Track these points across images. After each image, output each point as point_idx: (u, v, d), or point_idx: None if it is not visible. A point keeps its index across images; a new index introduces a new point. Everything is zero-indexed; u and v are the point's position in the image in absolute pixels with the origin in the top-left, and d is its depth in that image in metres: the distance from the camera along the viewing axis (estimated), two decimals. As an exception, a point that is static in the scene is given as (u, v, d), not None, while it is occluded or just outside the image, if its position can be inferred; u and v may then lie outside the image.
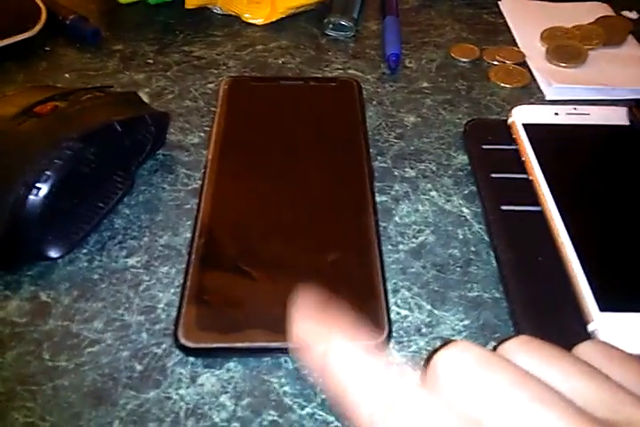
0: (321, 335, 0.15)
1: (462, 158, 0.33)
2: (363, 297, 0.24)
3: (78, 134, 0.26)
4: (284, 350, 0.23)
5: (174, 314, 0.24)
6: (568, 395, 0.13)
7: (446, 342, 0.15)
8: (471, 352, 0.14)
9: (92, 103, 0.29)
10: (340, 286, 0.25)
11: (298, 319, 0.16)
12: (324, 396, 0.22)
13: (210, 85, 0.38)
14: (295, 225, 0.27)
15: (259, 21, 0.44)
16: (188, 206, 0.30)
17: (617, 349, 0.15)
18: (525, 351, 0.14)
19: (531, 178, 0.30)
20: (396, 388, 0.13)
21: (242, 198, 0.29)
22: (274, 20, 0.44)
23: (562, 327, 0.24)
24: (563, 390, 0.13)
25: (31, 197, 0.25)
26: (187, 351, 0.23)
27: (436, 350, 0.14)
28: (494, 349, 0.14)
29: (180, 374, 0.23)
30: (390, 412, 0.13)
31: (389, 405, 0.13)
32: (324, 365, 0.15)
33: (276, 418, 0.22)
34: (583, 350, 0.15)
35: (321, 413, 0.22)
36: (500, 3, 0.46)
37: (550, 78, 0.38)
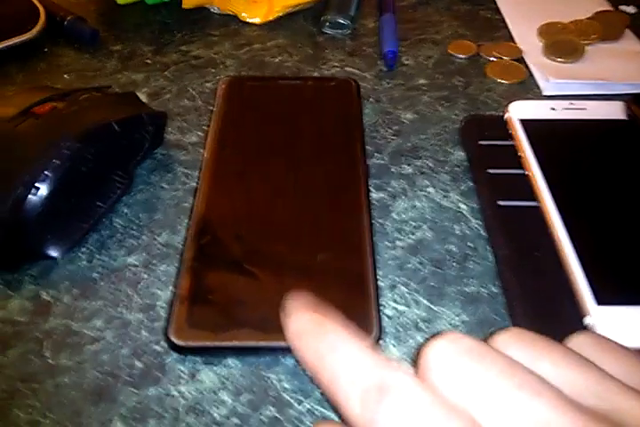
0: (315, 331, 0.15)
1: (459, 154, 0.33)
2: (354, 298, 0.24)
3: (76, 134, 0.26)
4: (275, 350, 0.23)
5: (173, 312, 0.24)
6: (556, 384, 0.13)
7: (437, 334, 0.15)
8: (461, 343, 0.14)
9: (90, 103, 0.29)
10: (332, 285, 0.25)
11: (292, 315, 0.16)
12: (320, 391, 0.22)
13: (208, 85, 0.38)
14: (289, 224, 0.28)
15: (256, 20, 0.44)
16: (187, 205, 0.30)
17: (608, 340, 0.15)
18: (516, 343, 0.14)
19: (528, 173, 0.30)
20: (387, 376, 0.13)
21: (237, 197, 0.29)
22: (271, 18, 0.44)
23: (559, 321, 0.24)
24: (551, 380, 0.13)
25: (30, 196, 0.25)
26: (178, 350, 0.23)
27: (426, 343, 0.14)
28: (486, 341, 0.15)
29: (180, 370, 0.23)
30: (380, 402, 0.13)
31: (380, 394, 0.13)
32: (317, 357, 0.15)
33: (274, 414, 0.22)
34: (575, 341, 0.15)
35: (319, 408, 0.22)
36: (496, -1, 0.46)
37: (547, 74, 0.38)
